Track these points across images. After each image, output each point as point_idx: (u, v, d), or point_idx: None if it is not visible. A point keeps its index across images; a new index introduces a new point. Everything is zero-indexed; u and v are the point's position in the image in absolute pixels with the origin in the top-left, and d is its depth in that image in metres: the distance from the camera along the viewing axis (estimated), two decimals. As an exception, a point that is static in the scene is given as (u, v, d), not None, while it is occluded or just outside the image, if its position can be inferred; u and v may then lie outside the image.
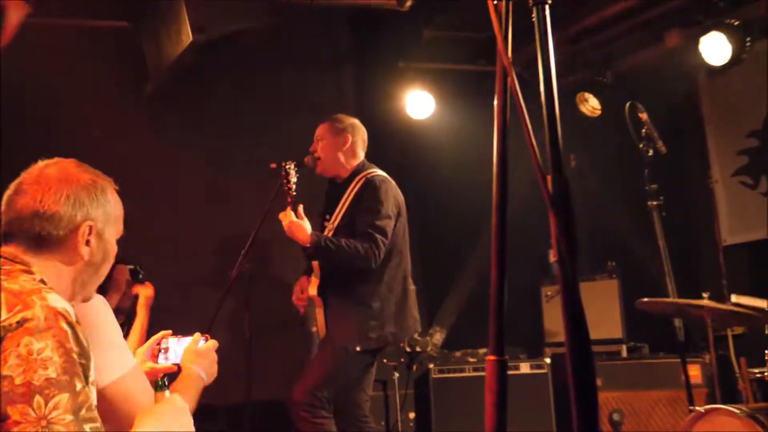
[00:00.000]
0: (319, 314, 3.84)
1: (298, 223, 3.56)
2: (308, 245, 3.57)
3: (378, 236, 3.61)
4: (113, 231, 1.69)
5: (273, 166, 3.81)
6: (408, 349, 5.11)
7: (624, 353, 5.31)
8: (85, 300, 1.68)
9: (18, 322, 1.34)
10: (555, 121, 1.06)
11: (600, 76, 5.54)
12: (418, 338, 5.19)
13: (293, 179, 3.61)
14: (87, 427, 1.33)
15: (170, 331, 2.21)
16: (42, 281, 1.49)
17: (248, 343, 4.17)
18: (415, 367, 5.16)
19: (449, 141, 6.12)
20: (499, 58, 1.12)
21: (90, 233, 1.61)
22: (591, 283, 5.55)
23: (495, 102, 1.11)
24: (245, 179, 4.12)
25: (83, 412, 1.34)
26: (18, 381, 1.30)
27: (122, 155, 4.84)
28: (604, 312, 5.44)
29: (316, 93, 5.81)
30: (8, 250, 1.53)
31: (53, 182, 1.59)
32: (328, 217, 3.89)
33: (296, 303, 3.98)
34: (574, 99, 5.58)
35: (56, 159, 1.66)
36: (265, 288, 4.78)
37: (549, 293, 5.75)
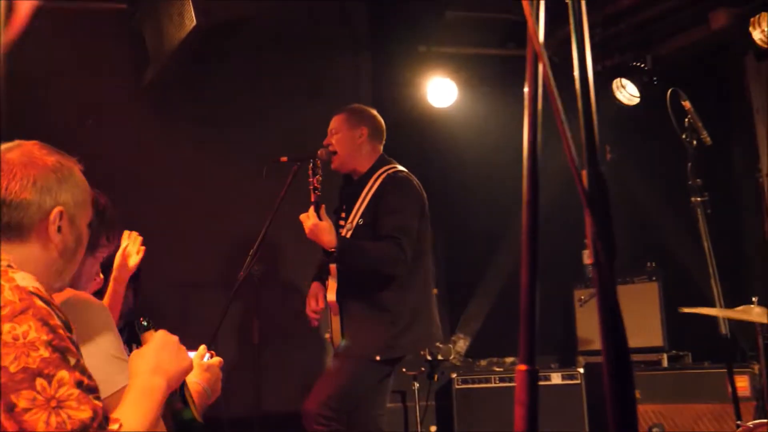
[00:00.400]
0: (335, 321, 3.85)
1: (323, 225, 3.54)
2: (333, 249, 3.56)
3: (404, 239, 3.61)
4: (84, 215, 1.69)
5: (284, 159, 3.83)
6: (429, 358, 5.11)
7: (665, 363, 5.28)
8: (61, 288, 1.70)
9: None
10: (590, 111, 1.06)
11: (638, 61, 5.50)
12: (440, 346, 5.18)
13: (319, 176, 3.59)
14: (92, 397, 1.38)
15: None
16: (9, 266, 1.49)
17: (257, 351, 4.19)
18: (436, 377, 5.16)
19: (474, 132, 6.10)
20: (530, 41, 1.12)
21: (61, 219, 1.61)
22: (629, 286, 5.52)
23: (525, 89, 1.11)
24: (253, 173, 4.12)
25: (85, 382, 1.39)
26: (13, 369, 1.33)
27: (118, 146, 4.88)
28: (643, 317, 5.41)
29: (330, 80, 5.82)
30: None
31: (18, 167, 1.59)
32: (344, 215, 3.90)
33: (309, 315, 3.97)
34: (610, 86, 5.55)
35: (17, 142, 1.66)
36: (275, 292, 4.80)
37: (583, 297, 5.73)
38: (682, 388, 4.84)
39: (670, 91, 3.93)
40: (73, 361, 1.38)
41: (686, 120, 3.95)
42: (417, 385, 4.93)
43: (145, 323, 1.76)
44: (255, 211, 4.10)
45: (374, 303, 3.73)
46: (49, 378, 1.34)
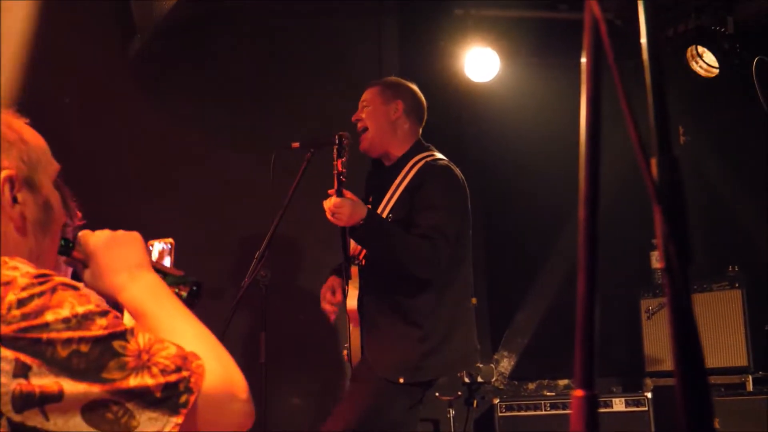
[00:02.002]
0: (354, 333, 3.85)
1: (348, 201, 3.51)
2: (360, 221, 3.52)
3: (441, 240, 3.61)
4: (44, 176, 1.64)
5: (295, 145, 3.84)
6: (467, 380, 5.10)
7: (750, 386, 5.25)
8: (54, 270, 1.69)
9: (18, 308, 1.35)
10: (661, 86, 1.05)
11: (718, 25, 5.45)
12: (481, 366, 5.18)
13: (344, 158, 3.59)
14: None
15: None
16: None
17: (263, 369, 4.22)
18: (476, 403, 5.15)
19: (520, 111, 6.09)
20: (588, 3, 1.12)
21: (13, 186, 1.56)
22: (707, 295, 5.49)
23: (582, 60, 1.11)
24: (260, 161, 4.13)
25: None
26: (85, 348, 1.35)
27: (101, 128, 4.92)
28: (725, 332, 5.38)
29: (349, 51, 5.83)
30: None
31: None
32: (371, 207, 3.90)
33: (325, 308, 3.98)
34: (684, 55, 5.51)
35: None
36: (285, 301, 4.82)
37: (651, 308, 5.70)
38: (771, 417, 4.81)
39: (756, 60, 3.90)
40: (110, 316, 1.41)
41: (776, 95, 3.91)
42: (453, 412, 4.93)
43: (63, 243, 1.71)
44: (262, 207, 4.11)
45: (403, 315, 3.72)
46: (122, 336, 1.38)
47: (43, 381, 1.32)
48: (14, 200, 1.55)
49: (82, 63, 4.99)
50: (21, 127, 1.63)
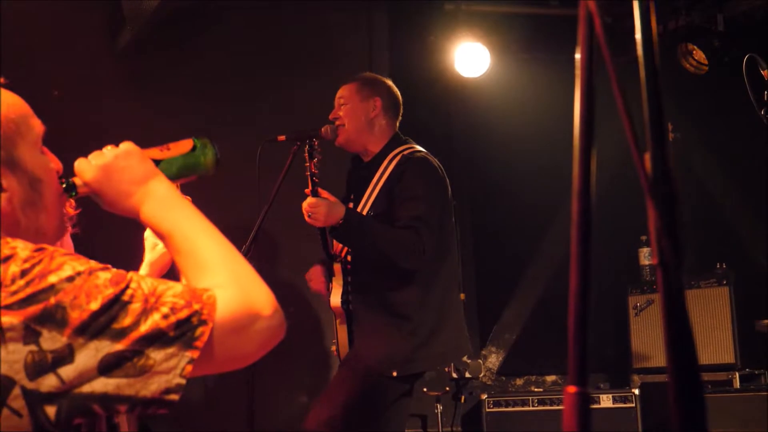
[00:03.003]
0: (341, 330, 3.86)
1: (325, 202, 3.54)
2: (339, 222, 3.55)
3: (424, 229, 3.60)
4: (25, 146, 1.56)
5: (281, 138, 3.83)
6: (455, 375, 5.12)
7: (737, 383, 5.27)
8: (60, 237, 1.66)
9: (21, 276, 1.34)
10: (656, 81, 1.05)
11: (708, 23, 5.47)
12: (468, 361, 5.19)
13: (316, 159, 3.62)
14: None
15: None
16: None
17: (250, 365, 4.21)
18: (463, 398, 5.17)
19: (510, 106, 6.10)
20: (582, -2, 1.11)
21: None
22: (695, 292, 5.51)
23: (577, 56, 1.10)
24: (246, 154, 4.12)
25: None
26: (95, 306, 1.35)
27: (91, 122, 4.89)
28: (712, 329, 5.40)
29: (340, 45, 5.82)
30: None
31: None
32: (351, 205, 3.90)
33: (316, 288, 4.00)
34: (675, 51, 5.52)
35: None
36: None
37: (639, 305, 5.72)
38: (758, 413, 4.82)
39: (746, 58, 3.90)
40: (129, 288, 1.41)
41: (765, 93, 3.92)
42: (440, 407, 4.94)
43: (68, 183, 1.67)
44: (248, 200, 4.10)
45: (391, 309, 3.73)
46: (127, 286, 1.38)
47: (54, 345, 1.32)
48: (1, 189, 1.50)
49: (71, 56, 4.96)
50: None
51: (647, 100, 1.02)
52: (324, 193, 3.60)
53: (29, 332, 1.31)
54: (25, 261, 1.36)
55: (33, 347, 1.31)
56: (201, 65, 5.41)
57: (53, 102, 4.86)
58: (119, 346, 1.34)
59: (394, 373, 3.65)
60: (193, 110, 5.33)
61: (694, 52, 5.50)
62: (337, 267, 3.87)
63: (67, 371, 1.32)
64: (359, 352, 3.75)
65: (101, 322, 1.34)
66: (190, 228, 1.62)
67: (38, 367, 1.31)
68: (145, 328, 1.35)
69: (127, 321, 1.35)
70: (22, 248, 1.39)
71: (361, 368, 3.70)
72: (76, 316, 1.33)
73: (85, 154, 1.73)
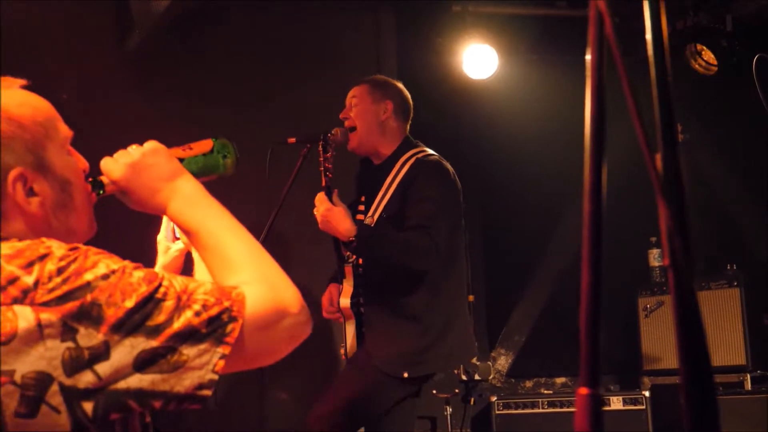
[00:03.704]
0: (350, 330, 3.86)
1: (338, 211, 3.57)
2: (351, 238, 3.56)
3: (436, 232, 3.61)
4: (54, 149, 1.58)
5: (292, 140, 3.84)
6: (464, 377, 5.10)
7: (748, 385, 5.25)
8: (89, 236, 1.68)
9: (57, 274, 1.36)
10: (666, 82, 1.05)
11: (717, 23, 5.45)
12: (478, 363, 5.18)
13: (332, 157, 3.63)
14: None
15: None
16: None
17: (260, 368, 4.21)
18: (473, 401, 5.14)
19: (519, 108, 6.09)
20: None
21: (26, 181, 1.52)
22: (705, 293, 5.49)
23: (587, 57, 1.10)
24: (255, 157, 4.12)
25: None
26: (129, 304, 1.37)
27: (99, 125, 4.90)
28: (723, 331, 5.38)
29: (347, 47, 5.82)
30: None
31: None
32: (362, 208, 3.90)
33: (328, 318, 4.01)
34: (683, 52, 5.51)
35: None
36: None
37: (649, 306, 5.70)
38: (769, 416, 4.81)
39: (756, 58, 3.89)
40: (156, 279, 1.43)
41: (775, 93, 3.91)
42: (450, 409, 4.93)
43: (95, 182, 1.69)
44: (258, 202, 4.11)
45: (401, 310, 3.73)
46: (159, 284, 1.41)
47: (91, 342, 1.34)
48: (31, 192, 1.53)
49: (80, 60, 4.97)
50: (18, 109, 1.56)
51: (658, 100, 1.02)
52: (336, 200, 3.61)
53: (66, 329, 1.33)
54: (61, 259, 1.38)
55: (70, 344, 1.33)
56: (208, 68, 5.41)
57: (62, 105, 4.87)
58: (154, 343, 1.36)
59: (405, 375, 3.66)
60: (202, 112, 5.33)
61: (703, 52, 5.49)
62: (348, 268, 3.87)
63: (103, 367, 1.34)
64: (368, 353, 3.74)
65: (136, 320, 1.36)
66: (217, 225, 1.64)
67: (75, 363, 1.33)
68: (178, 325, 1.38)
69: (161, 318, 1.38)
70: (57, 247, 1.41)
71: (369, 368, 3.70)
72: (111, 314, 1.35)
73: (94, 157, 1.74)
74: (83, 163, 1.68)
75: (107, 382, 1.34)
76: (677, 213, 1.01)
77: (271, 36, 5.60)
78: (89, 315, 1.34)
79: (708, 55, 5.51)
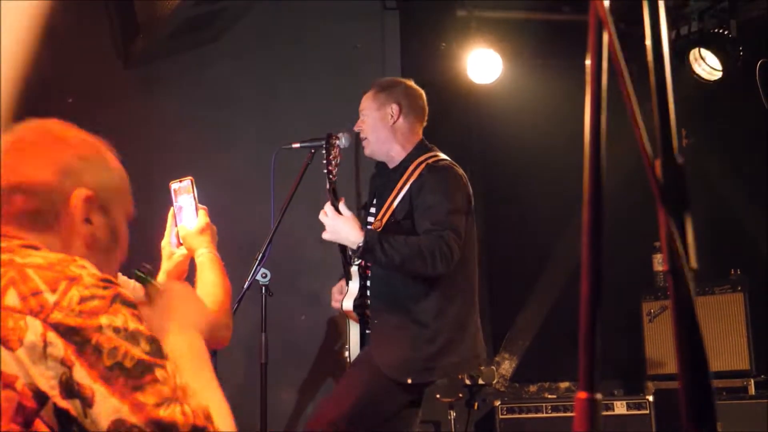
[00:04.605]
0: (354, 333, 3.85)
1: (345, 220, 3.55)
2: (359, 245, 3.53)
3: (449, 234, 3.56)
4: (119, 207, 1.66)
5: (296, 146, 3.84)
6: (468, 382, 5.10)
7: (752, 390, 5.24)
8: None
9: (80, 303, 1.37)
10: (666, 88, 1.05)
11: (721, 28, 5.45)
12: (482, 368, 5.18)
13: (337, 159, 3.62)
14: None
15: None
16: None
17: (264, 369, 4.21)
18: (477, 405, 5.14)
19: (523, 113, 6.09)
20: (593, 5, 1.11)
21: (90, 206, 1.57)
22: (709, 298, 5.48)
23: (587, 62, 1.10)
24: (259, 160, 4.14)
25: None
26: (129, 363, 1.37)
27: (104, 129, 4.91)
28: (727, 335, 5.37)
29: (352, 52, 5.82)
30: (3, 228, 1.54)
31: (31, 147, 1.57)
32: (373, 211, 3.88)
33: (335, 306, 3.99)
34: (687, 57, 5.51)
35: (35, 120, 1.64)
36: (285, 301, 4.82)
37: (652, 311, 5.69)
38: (773, 421, 4.80)
39: (759, 63, 3.89)
40: (166, 351, 1.44)
41: (779, 98, 3.91)
42: (453, 414, 4.92)
43: (141, 274, 1.74)
44: (262, 208, 4.11)
45: (408, 316, 3.69)
46: (163, 366, 1.40)
47: (83, 381, 1.34)
48: (87, 220, 1.58)
49: (86, 63, 4.98)
50: (111, 156, 1.68)
51: (657, 106, 1.02)
52: (345, 210, 3.58)
53: (67, 358, 1.35)
54: (87, 288, 1.39)
55: (67, 371, 1.34)
56: (213, 72, 5.43)
57: (67, 108, 4.88)
58: (134, 419, 1.35)
59: (409, 381, 3.64)
60: (204, 117, 5.35)
61: (707, 57, 5.49)
62: (354, 270, 3.85)
63: (86, 409, 1.35)
64: (373, 357, 3.72)
65: (129, 385, 1.36)
66: (204, 374, 1.62)
67: (69, 389, 1.34)
68: (164, 413, 1.37)
69: (152, 397, 1.37)
70: (88, 274, 1.42)
71: (373, 371, 3.67)
72: (108, 366, 1.35)
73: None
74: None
75: (89, 424, 1.35)
76: (677, 219, 1.01)
77: (276, 41, 5.61)
78: (89, 358, 1.35)
79: (712, 61, 5.51)
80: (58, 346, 1.34)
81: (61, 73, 4.82)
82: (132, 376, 1.36)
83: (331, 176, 3.61)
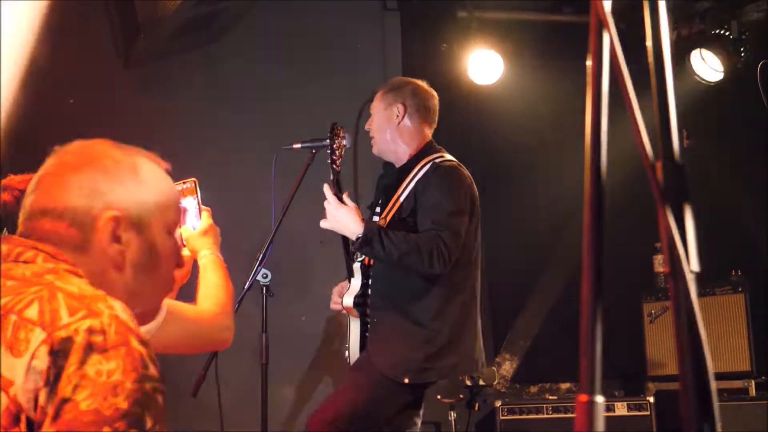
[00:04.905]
0: (354, 331, 3.84)
1: (347, 209, 3.55)
2: (359, 236, 3.53)
3: (448, 235, 3.56)
4: (159, 221, 1.65)
5: (297, 146, 3.84)
6: (469, 383, 5.10)
7: (752, 391, 5.23)
8: (146, 315, 1.69)
9: (86, 331, 1.36)
10: (666, 89, 1.05)
11: (722, 29, 5.45)
12: (482, 368, 5.18)
13: (341, 149, 3.61)
14: None
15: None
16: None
17: (264, 369, 4.22)
18: (477, 406, 5.15)
19: (523, 114, 6.09)
20: (593, 6, 1.11)
21: (117, 226, 1.58)
22: (709, 299, 5.48)
23: (588, 63, 1.10)
24: (261, 160, 4.14)
25: None
26: (84, 406, 1.33)
27: (105, 129, 4.91)
28: (727, 336, 5.37)
29: (354, 53, 5.82)
30: (48, 248, 1.55)
31: (66, 170, 1.60)
32: (379, 210, 3.88)
33: (333, 308, 3.98)
34: (688, 58, 5.51)
35: (84, 141, 1.67)
36: (286, 301, 4.82)
37: (653, 312, 5.69)
38: (774, 422, 4.80)
39: (760, 64, 3.89)
40: (148, 425, 1.37)
41: (780, 99, 3.90)
42: (454, 414, 4.93)
43: None
44: (264, 208, 4.11)
45: (408, 315, 3.69)
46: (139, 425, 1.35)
47: (50, 410, 1.32)
48: (116, 239, 1.58)
49: (86, 63, 4.99)
50: (151, 171, 1.68)
51: (658, 108, 1.02)
52: (348, 201, 3.59)
53: (42, 379, 1.34)
54: (101, 323, 1.38)
55: (45, 391, 1.33)
56: (214, 73, 5.43)
57: (68, 109, 4.88)
58: None
59: (407, 380, 3.63)
60: (206, 117, 5.35)
61: (708, 58, 5.49)
62: (355, 267, 3.85)
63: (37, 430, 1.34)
64: (372, 357, 3.72)
65: (69, 427, 1.32)
66: None
67: (42, 409, 1.33)
68: None
69: None
70: (108, 317, 1.40)
71: (373, 372, 3.66)
72: (65, 397, 1.33)
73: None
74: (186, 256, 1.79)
75: None
76: (678, 221, 1.01)
77: (276, 41, 5.61)
78: (56, 399, 1.33)
79: (713, 61, 5.51)
80: (43, 368, 1.33)
81: (62, 73, 4.82)
82: (80, 418, 1.32)
83: (335, 166, 3.60)
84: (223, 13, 5.27)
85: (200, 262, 2.59)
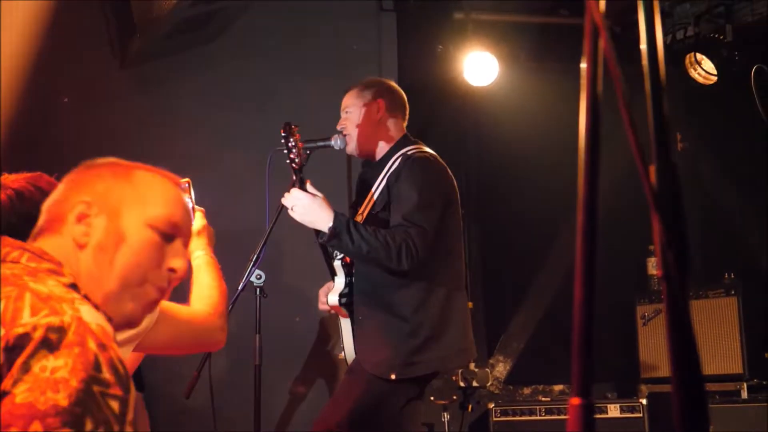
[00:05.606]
0: (345, 329, 3.83)
1: (316, 198, 3.55)
2: (329, 227, 3.52)
3: (415, 229, 3.54)
4: (137, 213, 1.65)
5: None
6: (462, 384, 5.10)
7: (744, 394, 5.24)
8: (125, 319, 1.65)
9: (44, 328, 1.35)
10: (661, 93, 1.05)
11: (717, 33, 5.46)
12: (475, 370, 5.18)
13: (299, 148, 3.62)
14: None
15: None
16: (72, 285, 1.51)
17: (258, 371, 4.21)
18: (470, 407, 5.15)
19: (519, 115, 6.09)
20: (588, 9, 1.12)
21: (87, 209, 1.62)
22: (702, 302, 5.49)
23: (582, 66, 1.10)
24: (256, 161, 4.13)
25: None
26: (18, 399, 1.30)
27: (100, 129, 4.91)
28: (720, 339, 5.38)
29: (349, 54, 5.82)
30: (34, 248, 1.58)
31: (66, 181, 1.69)
32: (360, 208, 3.88)
33: (321, 309, 3.98)
34: (682, 62, 5.52)
35: (100, 159, 1.73)
36: (279, 302, 4.82)
37: (646, 314, 5.70)
38: (765, 424, 4.80)
39: (755, 68, 3.90)
40: (88, 428, 1.31)
41: (774, 103, 3.91)
42: (447, 416, 4.93)
43: None
44: (257, 208, 4.10)
45: (389, 309, 3.66)
46: (47, 427, 1.29)
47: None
48: (83, 220, 1.62)
49: (82, 63, 4.98)
50: (148, 177, 1.72)
51: (652, 111, 1.02)
52: (314, 191, 3.59)
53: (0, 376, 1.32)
54: (62, 322, 1.37)
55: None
56: (210, 72, 5.42)
57: (63, 108, 4.88)
58: None
59: (392, 376, 3.58)
60: (200, 117, 5.34)
61: (702, 62, 5.49)
62: (336, 266, 3.84)
63: None
64: (359, 357, 3.72)
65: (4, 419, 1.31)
66: None
67: None
68: None
69: None
70: (72, 316, 1.39)
71: (365, 373, 3.66)
72: (5, 389, 1.31)
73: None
74: (178, 264, 1.71)
75: None
76: (671, 225, 1.01)
77: (272, 42, 5.60)
78: (5, 386, 1.31)
79: (708, 65, 5.52)
80: None
81: (57, 72, 4.81)
82: (12, 412, 1.29)
83: (294, 165, 3.60)
84: (219, 14, 5.27)
85: (194, 263, 2.59)
